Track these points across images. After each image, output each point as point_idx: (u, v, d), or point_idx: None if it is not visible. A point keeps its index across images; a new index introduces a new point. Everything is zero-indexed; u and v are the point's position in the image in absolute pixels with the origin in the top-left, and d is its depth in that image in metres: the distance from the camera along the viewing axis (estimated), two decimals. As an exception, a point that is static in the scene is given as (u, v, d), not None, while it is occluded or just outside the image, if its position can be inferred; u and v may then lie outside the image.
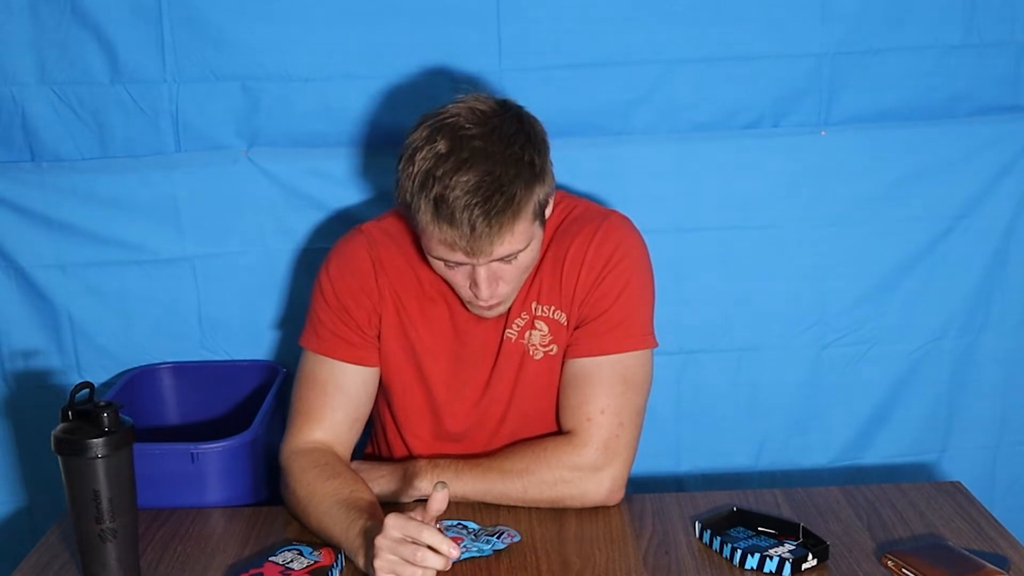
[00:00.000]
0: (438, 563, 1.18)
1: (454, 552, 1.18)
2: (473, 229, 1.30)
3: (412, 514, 1.21)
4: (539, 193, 1.36)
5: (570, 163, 1.72)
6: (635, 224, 1.52)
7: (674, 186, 1.77)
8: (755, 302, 1.82)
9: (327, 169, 1.75)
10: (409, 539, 1.19)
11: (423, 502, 1.21)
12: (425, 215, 1.32)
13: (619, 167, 1.76)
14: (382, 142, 1.73)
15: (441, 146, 1.32)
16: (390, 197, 1.73)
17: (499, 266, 1.38)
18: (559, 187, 1.47)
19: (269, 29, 1.68)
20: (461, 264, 1.37)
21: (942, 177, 1.79)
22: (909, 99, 1.77)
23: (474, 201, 1.29)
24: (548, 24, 1.69)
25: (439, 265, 1.41)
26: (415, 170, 1.33)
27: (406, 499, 1.47)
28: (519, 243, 1.35)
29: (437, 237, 1.34)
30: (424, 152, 1.32)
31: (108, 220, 1.75)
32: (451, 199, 1.30)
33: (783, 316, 1.83)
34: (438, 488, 1.19)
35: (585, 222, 1.49)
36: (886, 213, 1.80)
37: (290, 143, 1.74)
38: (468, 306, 1.47)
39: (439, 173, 1.30)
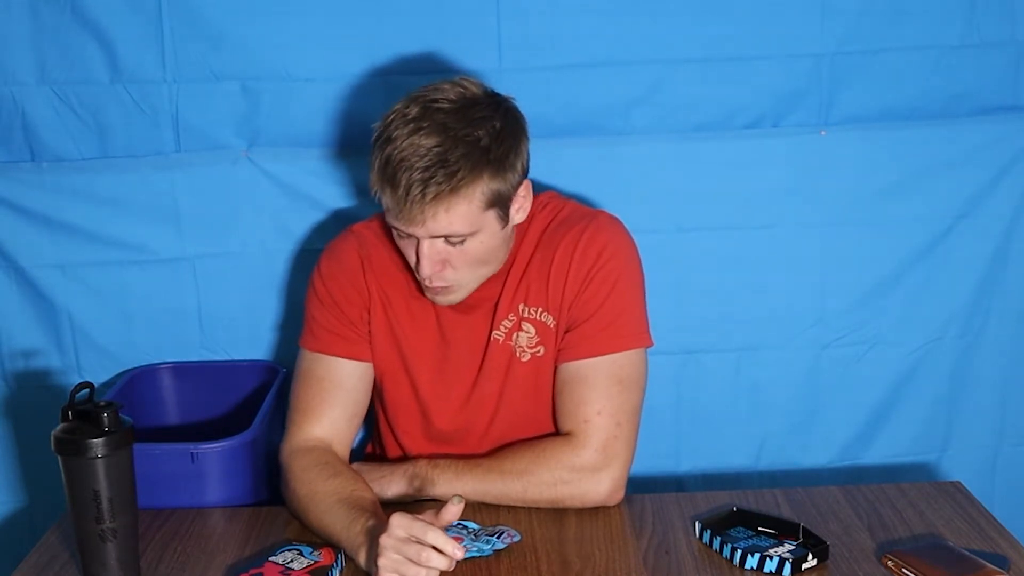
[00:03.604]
0: (442, 564, 1.18)
1: (459, 553, 1.19)
2: (408, 193, 1.32)
3: (417, 515, 1.22)
4: (491, 183, 1.36)
5: (570, 163, 1.72)
6: (624, 224, 1.52)
7: (674, 186, 1.76)
8: (755, 302, 1.82)
9: (327, 169, 1.75)
10: (414, 539, 1.19)
11: (424, 502, 1.21)
12: (375, 171, 1.36)
13: (619, 167, 1.76)
14: (382, 142, 1.73)
15: (410, 112, 1.35)
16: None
17: (444, 247, 1.39)
18: (551, 188, 1.47)
19: (269, 29, 1.68)
20: (408, 237, 1.39)
21: (942, 177, 1.79)
22: (909, 99, 1.76)
23: (416, 166, 1.32)
24: (548, 24, 1.69)
25: (396, 235, 1.42)
26: (382, 129, 1.36)
27: (407, 500, 1.46)
28: (459, 225, 1.36)
29: (383, 199, 1.37)
30: (395, 114, 1.36)
31: (108, 220, 1.75)
32: (397, 160, 1.33)
33: (783, 316, 1.83)
34: (455, 501, 1.21)
35: (572, 223, 1.49)
36: (886, 213, 1.79)
37: (290, 143, 1.74)
38: (424, 290, 1.48)
39: (396, 134, 1.34)
